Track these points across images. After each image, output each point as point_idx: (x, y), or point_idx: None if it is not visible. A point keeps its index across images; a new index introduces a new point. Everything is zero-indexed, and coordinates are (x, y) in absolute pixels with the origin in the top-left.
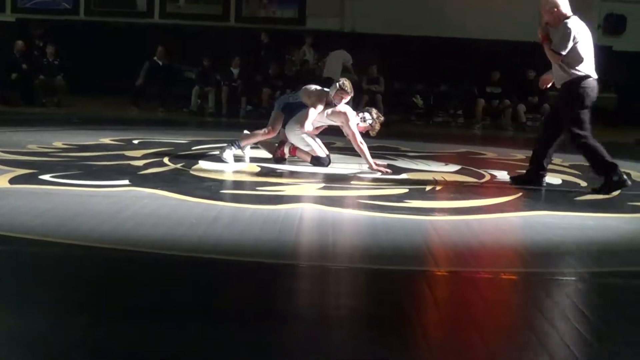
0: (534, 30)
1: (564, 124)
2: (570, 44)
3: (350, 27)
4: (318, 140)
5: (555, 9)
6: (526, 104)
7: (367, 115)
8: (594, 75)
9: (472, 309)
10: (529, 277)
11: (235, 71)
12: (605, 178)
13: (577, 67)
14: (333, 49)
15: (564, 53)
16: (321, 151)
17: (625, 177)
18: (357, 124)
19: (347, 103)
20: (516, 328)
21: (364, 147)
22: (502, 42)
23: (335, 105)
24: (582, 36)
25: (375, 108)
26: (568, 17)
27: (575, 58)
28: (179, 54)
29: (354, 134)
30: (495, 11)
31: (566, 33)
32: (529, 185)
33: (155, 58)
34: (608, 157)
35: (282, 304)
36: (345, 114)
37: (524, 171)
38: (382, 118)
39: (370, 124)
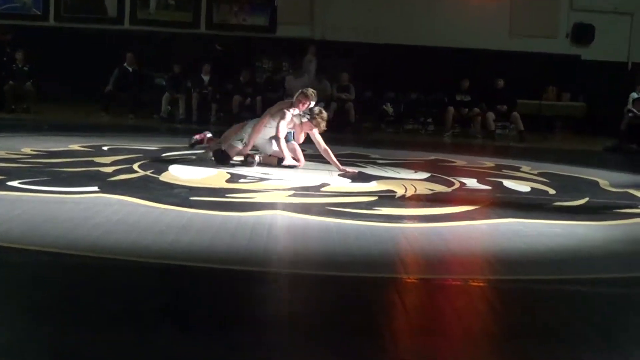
0: (503, 39)
1: None
2: None
3: (320, 35)
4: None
5: None
6: (495, 112)
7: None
8: None
9: (442, 316)
10: (498, 284)
11: (206, 78)
12: None
13: None
14: (304, 57)
15: None
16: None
17: None
18: (304, 122)
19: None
20: (485, 335)
21: (329, 151)
22: (471, 51)
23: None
24: None
25: (346, 116)
26: None
27: None
28: (150, 60)
29: (317, 142)
30: (466, 20)
31: None
32: None
33: (125, 64)
34: None
35: (253, 311)
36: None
37: None
38: (324, 114)
39: (314, 121)
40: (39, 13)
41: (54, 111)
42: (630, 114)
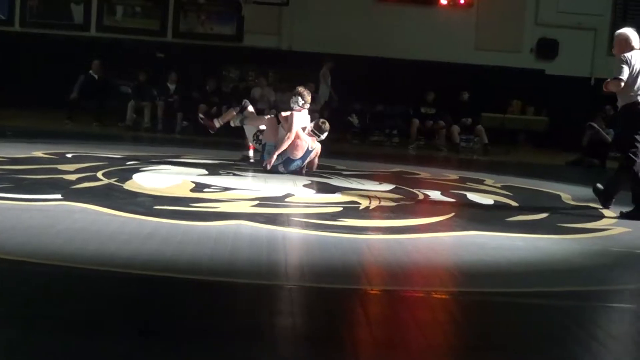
0: (469, 52)
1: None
2: (627, 70)
3: (287, 45)
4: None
5: (625, 41)
6: (460, 125)
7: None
8: None
9: (404, 328)
10: (460, 296)
11: (172, 86)
12: (636, 207)
13: (630, 93)
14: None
15: (622, 77)
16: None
17: None
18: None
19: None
20: (447, 347)
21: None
22: (437, 64)
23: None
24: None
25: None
26: (632, 50)
27: (629, 84)
28: (116, 68)
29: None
30: (432, 33)
31: (622, 61)
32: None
33: (90, 72)
34: None
35: (215, 322)
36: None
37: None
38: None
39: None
40: (3, 18)
41: (18, 117)
42: (591, 130)
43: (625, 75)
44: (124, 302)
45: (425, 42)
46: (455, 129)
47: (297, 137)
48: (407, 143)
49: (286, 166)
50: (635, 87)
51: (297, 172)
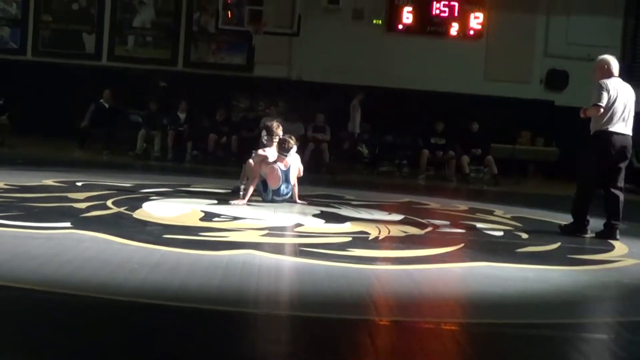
0: (478, 83)
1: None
2: (606, 97)
3: (297, 76)
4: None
5: (606, 66)
6: (470, 155)
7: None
8: (620, 131)
9: (413, 359)
10: (470, 327)
11: (182, 115)
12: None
13: (604, 120)
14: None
15: (601, 104)
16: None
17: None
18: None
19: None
20: None
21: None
22: (447, 94)
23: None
24: (617, 94)
25: (321, 157)
26: (614, 77)
27: (605, 111)
28: (126, 97)
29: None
30: (441, 64)
31: (603, 86)
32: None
33: (101, 100)
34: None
35: (223, 351)
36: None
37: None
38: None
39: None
40: (15, 47)
41: (29, 145)
42: None
43: (604, 102)
44: (132, 331)
45: (435, 72)
46: (465, 159)
47: (269, 170)
48: (417, 173)
49: (278, 195)
50: (609, 115)
51: (294, 201)
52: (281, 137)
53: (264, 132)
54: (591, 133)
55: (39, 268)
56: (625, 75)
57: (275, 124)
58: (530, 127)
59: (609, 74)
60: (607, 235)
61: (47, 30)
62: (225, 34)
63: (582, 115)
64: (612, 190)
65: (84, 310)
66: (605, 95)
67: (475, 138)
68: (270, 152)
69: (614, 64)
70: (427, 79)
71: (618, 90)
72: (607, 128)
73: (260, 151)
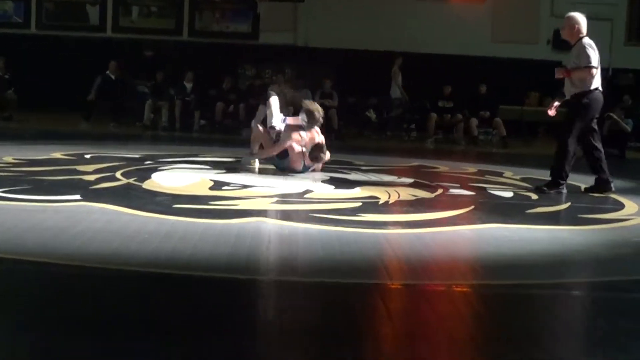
0: (485, 45)
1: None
2: (595, 57)
3: (303, 42)
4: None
5: (576, 26)
6: (478, 117)
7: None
8: (601, 88)
9: (425, 322)
10: (482, 289)
11: (189, 85)
12: (552, 180)
13: (590, 80)
14: (288, 64)
15: (594, 65)
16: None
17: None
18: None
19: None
20: (468, 340)
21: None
22: (454, 57)
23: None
24: (597, 52)
25: (330, 123)
26: (584, 36)
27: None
28: (133, 68)
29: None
30: (447, 26)
31: (588, 48)
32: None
33: (107, 72)
34: (568, 168)
35: (236, 319)
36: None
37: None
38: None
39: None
40: (20, 21)
41: (36, 119)
42: (610, 120)
43: (595, 62)
44: (145, 301)
45: (441, 35)
46: (473, 122)
47: (295, 156)
48: (425, 137)
49: (292, 172)
50: (597, 75)
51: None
52: (318, 142)
53: (303, 115)
54: (575, 92)
55: (49, 241)
56: (633, 33)
57: (317, 113)
58: (538, 88)
59: (579, 33)
60: (602, 189)
61: (50, 3)
62: (230, 1)
63: (562, 76)
64: (597, 145)
65: (96, 281)
66: (594, 55)
67: (483, 100)
68: (304, 137)
69: (584, 23)
70: (434, 42)
71: (595, 48)
72: (597, 87)
73: (295, 135)
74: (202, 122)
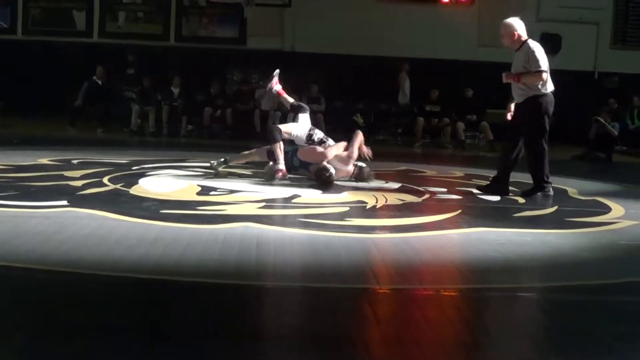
0: (472, 49)
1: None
2: (545, 60)
3: (290, 47)
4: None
5: (515, 32)
6: (465, 121)
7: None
8: (553, 90)
9: (413, 326)
10: (470, 293)
11: (176, 90)
12: (536, 186)
13: (544, 85)
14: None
15: (545, 68)
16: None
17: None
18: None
19: None
20: (457, 344)
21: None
22: (440, 61)
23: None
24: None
25: (317, 127)
26: (527, 39)
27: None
28: (119, 73)
29: None
30: (434, 30)
31: (537, 52)
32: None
33: (94, 78)
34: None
35: (223, 324)
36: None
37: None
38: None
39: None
40: (5, 26)
41: (23, 125)
42: (597, 124)
43: (545, 65)
44: (132, 307)
45: (428, 40)
46: (460, 126)
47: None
48: (413, 141)
49: (301, 167)
50: (547, 77)
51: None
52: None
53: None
54: (529, 96)
55: (37, 247)
56: (618, 36)
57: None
58: None
59: (521, 38)
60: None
61: (37, 8)
62: (217, 7)
63: (511, 81)
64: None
65: (83, 287)
66: (543, 58)
67: (470, 104)
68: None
69: (521, 27)
70: (421, 46)
71: (542, 50)
72: (549, 90)
73: (320, 149)
74: (190, 127)
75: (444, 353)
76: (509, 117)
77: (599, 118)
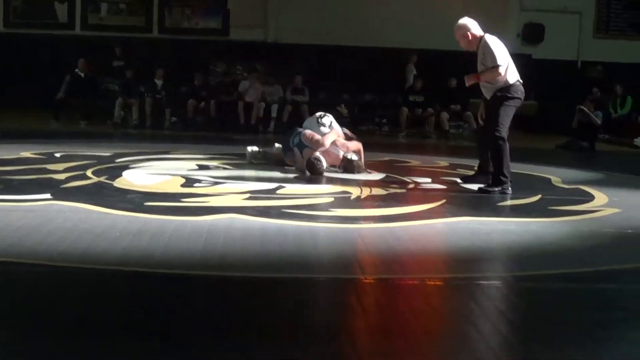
0: (455, 39)
1: (488, 125)
2: (499, 54)
3: (273, 38)
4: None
5: (469, 33)
6: (449, 111)
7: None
8: (520, 80)
9: (399, 316)
10: (454, 282)
11: (159, 82)
12: (494, 180)
13: (506, 77)
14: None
15: (500, 63)
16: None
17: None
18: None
19: None
20: (442, 333)
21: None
22: (424, 51)
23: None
24: (501, 45)
25: (302, 118)
26: (483, 35)
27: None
28: (104, 66)
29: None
30: (417, 20)
31: (492, 46)
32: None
33: (76, 70)
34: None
35: (209, 316)
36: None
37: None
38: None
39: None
40: None
41: (5, 118)
42: (580, 113)
43: (500, 60)
44: (117, 300)
45: (411, 30)
46: (445, 116)
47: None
48: (397, 131)
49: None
50: (508, 68)
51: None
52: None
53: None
54: (497, 88)
55: (20, 241)
56: (602, 26)
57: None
58: None
59: (476, 37)
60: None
61: (18, 0)
62: None
63: (473, 82)
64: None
65: (68, 281)
66: (497, 53)
67: (454, 94)
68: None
69: (474, 25)
70: (404, 36)
71: (499, 42)
72: (515, 80)
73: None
74: (174, 119)
75: (429, 342)
76: (481, 122)
77: (582, 107)
